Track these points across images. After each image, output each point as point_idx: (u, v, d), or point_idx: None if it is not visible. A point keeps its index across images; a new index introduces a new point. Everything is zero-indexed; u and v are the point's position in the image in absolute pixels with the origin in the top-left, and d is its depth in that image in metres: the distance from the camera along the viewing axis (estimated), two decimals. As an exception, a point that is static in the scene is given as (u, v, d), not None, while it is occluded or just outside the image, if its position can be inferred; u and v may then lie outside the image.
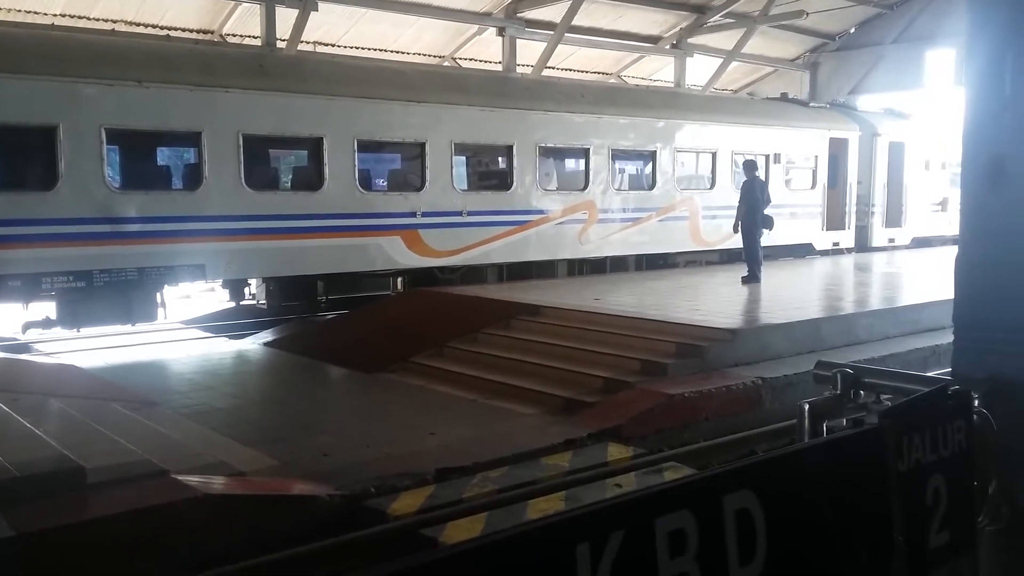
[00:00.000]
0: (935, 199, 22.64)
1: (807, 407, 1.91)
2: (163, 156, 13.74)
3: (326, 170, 13.09)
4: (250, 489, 5.84)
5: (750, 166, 14.64)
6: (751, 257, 14.20)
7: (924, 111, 23.05)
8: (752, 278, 13.99)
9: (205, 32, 16.72)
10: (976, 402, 1.82)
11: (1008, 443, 1.82)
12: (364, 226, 13.48)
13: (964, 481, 1.61)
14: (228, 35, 16.89)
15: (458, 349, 10.48)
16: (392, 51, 18.93)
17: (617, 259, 17.05)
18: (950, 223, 21.51)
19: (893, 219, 22.10)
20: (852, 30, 24.40)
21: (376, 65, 15.40)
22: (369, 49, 18.51)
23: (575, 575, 1.08)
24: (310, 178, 13.38)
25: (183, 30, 16.30)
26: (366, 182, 13.91)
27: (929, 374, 2.11)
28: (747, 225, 14.22)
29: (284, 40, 14.86)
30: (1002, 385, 1.82)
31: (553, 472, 6.45)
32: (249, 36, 16.52)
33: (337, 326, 13.16)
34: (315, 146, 13.13)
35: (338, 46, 18.18)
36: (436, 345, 10.66)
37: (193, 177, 12.39)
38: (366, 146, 13.65)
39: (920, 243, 22.55)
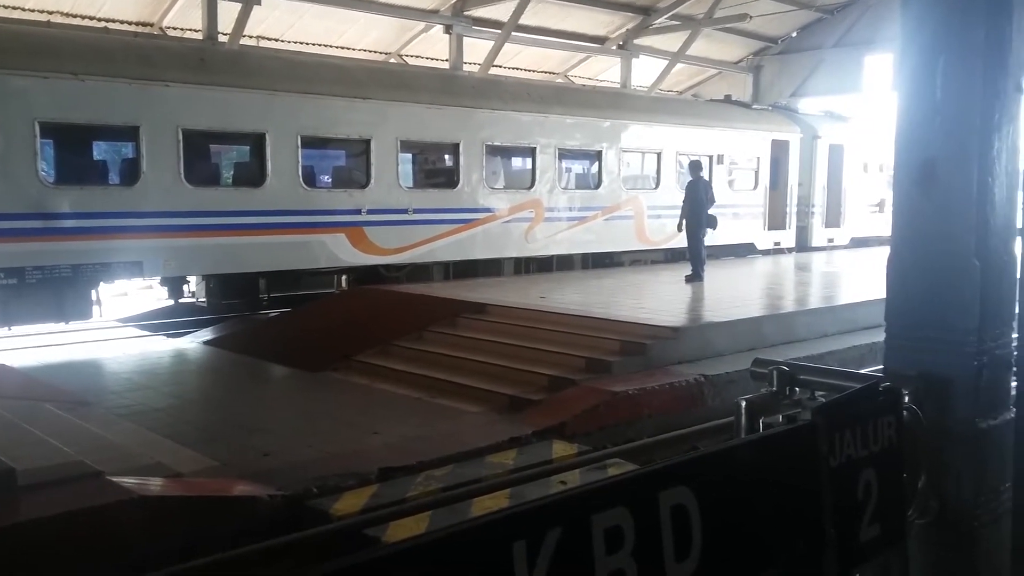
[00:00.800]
0: (873, 200, 23.23)
1: (744, 404, 1.94)
2: (100, 151, 13.39)
3: (269, 166, 12.89)
4: (188, 490, 5.73)
5: (695, 166, 14.67)
6: (695, 256, 14.27)
7: (863, 114, 23.61)
8: (695, 277, 14.07)
9: (144, 25, 16.35)
10: (906, 398, 1.86)
11: (937, 438, 1.87)
12: (308, 223, 13.32)
13: (894, 475, 1.65)
14: (168, 28, 16.53)
15: (403, 347, 10.42)
16: (337, 47, 18.74)
17: (563, 258, 17.14)
18: (887, 224, 22.00)
19: (832, 220, 22.61)
20: (794, 34, 24.88)
21: (320, 61, 15.24)
22: (314, 45, 18.30)
23: (512, 573, 1.07)
24: (252, 174, 13.18)
25: (121, 22, 15.91)
26: (310, 179, 13.75)
27: (862, 371, 2.16)
28: (691, 225, 14.21)
29: (226, 34, 14.60)
30: (931, 382, 1.87)
31: (498, 470, 6.45)
32: (190, 29, 16.18)
33: (279, 324, 12.98)
34: (257, 142, 12.93)
35: (282, 41, 17.93)
36: (381, 343, 10.58)
37: (131, 172, 12.10)
38: (310, 142, 13.49)
39: (858, 243, 23.11)
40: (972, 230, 1.84)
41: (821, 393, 2.01)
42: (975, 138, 1.85)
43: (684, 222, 14.30)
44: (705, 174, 15.50)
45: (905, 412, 1.80)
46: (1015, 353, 1.94)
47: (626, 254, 18.16)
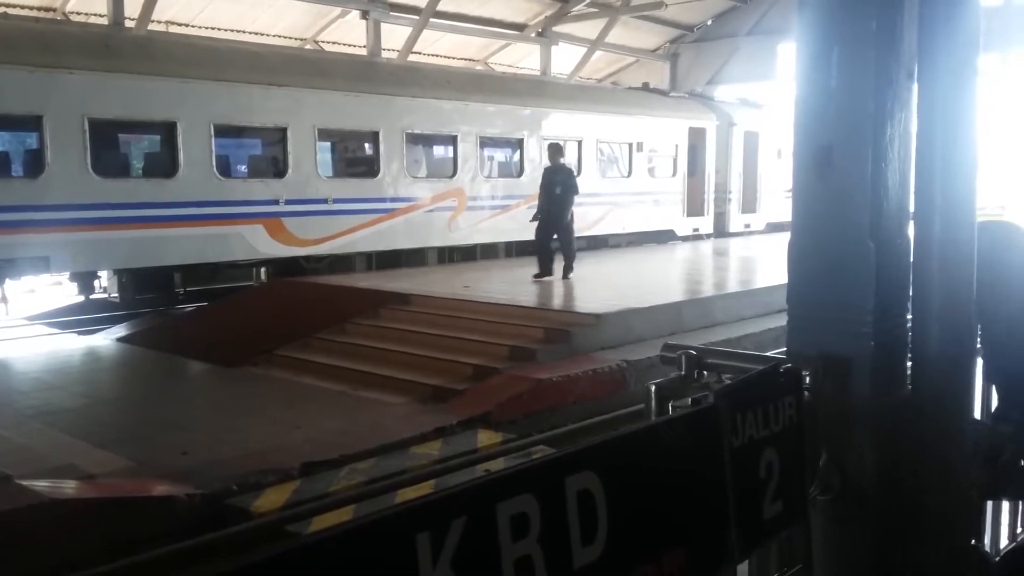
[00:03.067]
0: (787, 186, 23.83)
1: (653, 388, 1.97)
2: (1, 141, 12.82)
3: (181, 156, 12.53)
4: (102, 492, 5.56)
5: (555, 150, 13.13)
6: (568, 248, 12.76)
7: (777, 102, 24.21)
8: (569, 268, 12.73)
9: (46, 10, 15.70)
10: (807, 379, 1.92)
11: (837, 416, 1.94)
12: (223, 214, 13.00)
13: (795, 454, 1.70)
14: (72, 13, 15.91)
15: (325, 340, 10.29)
16: (250, 32, 18.32)
17: (487, 246, 17.14)
18: (800, 209, 22.67)
19: (748, 205, 23.15)
20: (709, 22, 25.33)
21: (234, 47, 14.85)
22: (226, 30, 17.85)
23: (416, 564, 1.07)
24: (164, 164, 12.78)
25: (22, 7, 15.24)
26: (225, 168, 13.41)
27: (767, 353, 2.22)
28: (558, 216, 12.62)
29: (133, 19, 14.11)
30: (831, 362, 1.93)
31: (423, 461, 6.44)
32: (94, 14, 15.60)
33: (196, 319, 12.67)
34: (168, 131, 12.54)
35: (192, 26, 17.43)
36: (302, 336, 10.42)
37: (34, 163, 11.61)
38: (224, 131, 13.15)
39: (774, 228, 23.74)
40: (867, 214, 1.90)
41: (728, 376, 2.06)
42: (869, 125, 1.92)
43: (548, 212, 12.61)
44: (568, 161, 13.99)
45: (806, 392, 1.86)
46: (910, 333, 2.01)
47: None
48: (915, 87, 2.00)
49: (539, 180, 17.59)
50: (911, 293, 2.02)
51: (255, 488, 5.87)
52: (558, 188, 12.59)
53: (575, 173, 12.94)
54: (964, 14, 2.04)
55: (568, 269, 12.70)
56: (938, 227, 1.93)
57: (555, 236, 12.67)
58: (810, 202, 2.01)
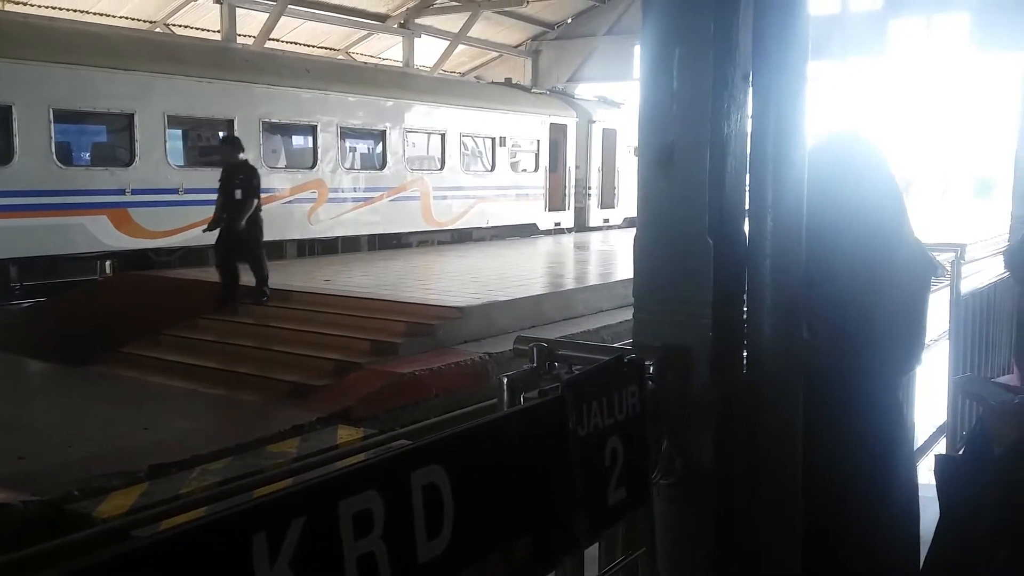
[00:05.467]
0: (642, 183, 24.65)
1: (505, 381, 1.99)
2: None
3: (16, 142, 11.70)
4: (-77, 503, 5.13)
5: (230, 145, 11.11)
6: (260, 265, 10.57)
7: (634, 101, 24.94)
8: (261, 294, 10.48)
9: None
10: (651, 369, 1.98)
11: (678, 404, 2.01)
12: (64, 204, 12.23)
13: (638, 441, 1.76)
14: None
15: (176, 336, 9.86)
16: (94, 14, 17.31)
17: (349, 239, 16.88)
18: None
19: (607, 201, 23.78)
20: (569, 20, 25.81)
21: (75, 28, 13.97)
22: (68, 10, 16.79)
23: (251, 567, 1.04)
24: (-3, 151, 11.92)
25: None
26: (66, 156, 12.62)
27: (614, 345, 2.29)
28: (241, 222, 10.34)
29: (-39, -7, 13.08)
30: (673, 352, 2.00)
31: (280, 460, 6.28)
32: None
33: (35, 315, 11.86)
34: (3, 115, 11.68)
35: (30, 6, 16.31)
36: (151, 333, 9.95)
37: None
38: (65, 116, 12.38)
39: (632, 223, 24.45)
40: (706, 211, 1.98)
41: (578, 367, 2.10)
42: (708, 125, 1.99)
43: (230, 218, 10.39)
44: (248, 156, 11.36)
45: (649, 381, 1.92)
46: (745, 325, 2.11)
47: (413, 235, 18.18)
48: (750, 90, 2.10)
49: (402, 173, 17.63)
50: (746, 286, 2.12)
51: (99, 493, 5.57)
52: (237, 191, 10.35)
53: (258, 172, 10.74)
54: (796, 22, 2.15)
55: (261, 292, 10.45)
56: (770, 224, 2.04)
57: (240, 250, 10.44)
58: (654, 199, 2.09)
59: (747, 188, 2.14)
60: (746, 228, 2.16)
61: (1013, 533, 1.84)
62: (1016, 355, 5.35)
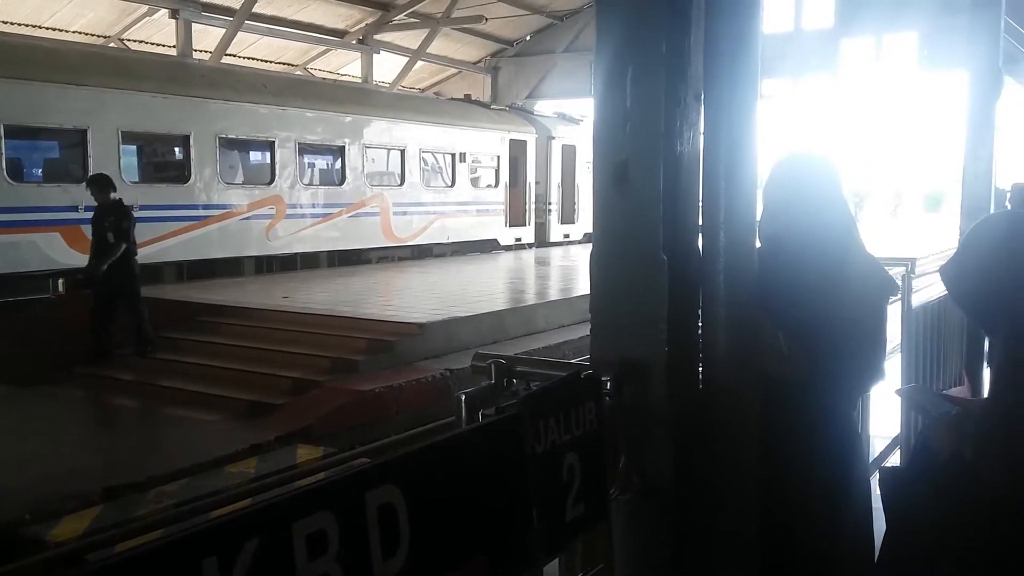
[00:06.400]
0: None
1: (463, 398, 1.99)
2: None
3: (-35, 158, 11.45)
4: None
5: (99, 185, 9.71)
6: (139, 319, 9.59)
7: (592, 117, 25.11)
8: (147, 347, 9.55)
9: None
10: (608, 384, 1.99)
11: (635, 419, 2.02)
12: (15, 221, 11.97)
13: (596, 457, 1.76)
14: None
15: (131, 356, 9.68)
16: (47, 28, 17.03)
17: (308, 256, 16.73)
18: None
19: (567, 216, 23.89)
20: (528, 37, 25.96)
21: (27, 42, 13.73)
22: (18, 25, 16.50)
23: (201, 591, 1.03)
24: (-55, 167, 11.64)
25: None
26: (17, 172, 12.36)
27: (572, 360, 2.30)
28: (119, 271, 9.41)
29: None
30: (629, 367, 2.01)
31: (238, 480, 6.18)
32: None
33: (-16, 336, 11.57)
34: (-50, 131, 11.44)
35: (-20, 18, 16.02)
36: (105, 352, 9.76)
37: None
38: (16, 132, 12.13)
39: (591, 238, 24.60)
40: (660, 227, 2.00)
41: (536, 383, 2.11)
42: (660, 143, 2.02)
43: (100, 267, 9.37)
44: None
45: (607, 396, 1.93)
46: (701, 339, 2.14)
47: (373, 251, 18.08)
48: (702, 109, 2.13)
49: (361, 189, 17.55)
50: (701, 301, 2.15)
51: (52, 516, 5.44)
52: (110, 234, 9.45)
53: (131, 214, 9.73)
54: (746, 43, 2.19)
55: (145, 341, 9.56)
56: (723, 239, 2.07)
57: (120, 300, 9.61)
58: (609, 216, 2.11)
59: (700, 204, 2.17)
60: (699, 244, 2.19)
61: (956, 543, 1.88)
62: (967, 367, 5.48)
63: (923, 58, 16.11)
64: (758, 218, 2.42)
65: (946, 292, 2.37)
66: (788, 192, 2.66)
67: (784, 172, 2.69)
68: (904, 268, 4.87)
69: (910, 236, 23.96)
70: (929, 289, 5.17)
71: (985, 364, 4.69)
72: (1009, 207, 10.64)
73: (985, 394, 2.24)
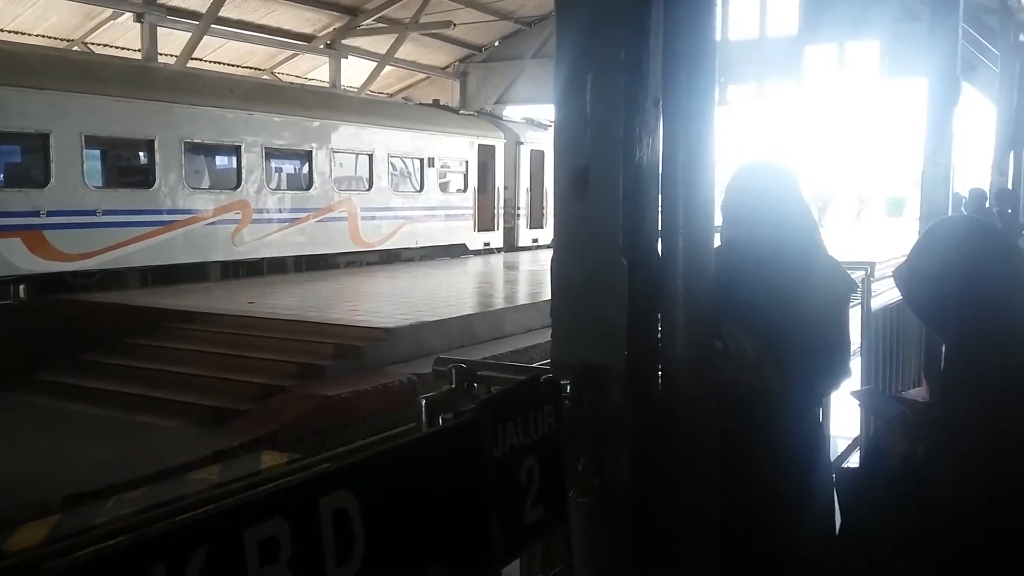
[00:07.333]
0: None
1: (424, 403, 1.99)
2: None
3: (-79, 162, 11.23)
4: None
5: None
6: None
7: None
8: None
9: None
10: (568, 388, 2.00)
11: (595, 422, 2.03)
12: (-25, 227, 11.77)
13: (555, 460, 1.77)
14: None
15: (96, 362, 9.58)
16: (10, 32, 16.77)
17: (275, 261, 16.60)
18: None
19: (536, 221, 23.92)
20: (496, 43, 25.98)
21: (-14, 44, 13.53)
22: (-22, 26, 16.25)
23: (149, 600, 1.02)
24: (-100, 171, 11.41)
25: None
26: (-25, 177, 12.17)
27: (533, 364, 2.31)
28: None
29: None
30: (589, 370, 2.02)
31: (201, 487, 6.13)
32: None
33: (-59, 343, 11.34)
34: (-94, 134, 11.22)
35: (-62, 20, 15.73)
36: (69, 359, 9.62)
37: None
38: (-26, 136, 11.94)
39: (559, 243, 24.64)
40: (620, 232, 2.01)
41: (497, 387, 2.11)
42: (620, 149, 2.03)
43: None
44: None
45: (566, 399, 1.94)
46: (660, 343, 2.15)
47: (340, 256, 17.98)
48: (661, 115, 2.15)
49: (329, 193, 17.43)
50: (660, 305, 2.16)
51: (9, 525, 5.35)
52: None
53: None
54: (703, 49, 2.22)
55: None
56: (681, 244, 2.08)
57: None
58: (569, 221, 2.12)
59: (659, 209, 2.19)
60: (659, 249, 2.21)
61: (909, 542, 1.91)
62: (925, 369, 5.57)
63: (885, 65, 16.37)
64: (718, 224, 2.46)
65: (903, 294, 2.42)
66: (750, 199, 2.70)
67: (744, 180, 2.74)
68: (864, 272, 4.94)
69: (872, 241, 24.31)
70: (889, 292, 5.25)
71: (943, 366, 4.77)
72: (964, 212, 10.85)
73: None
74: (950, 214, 6.18)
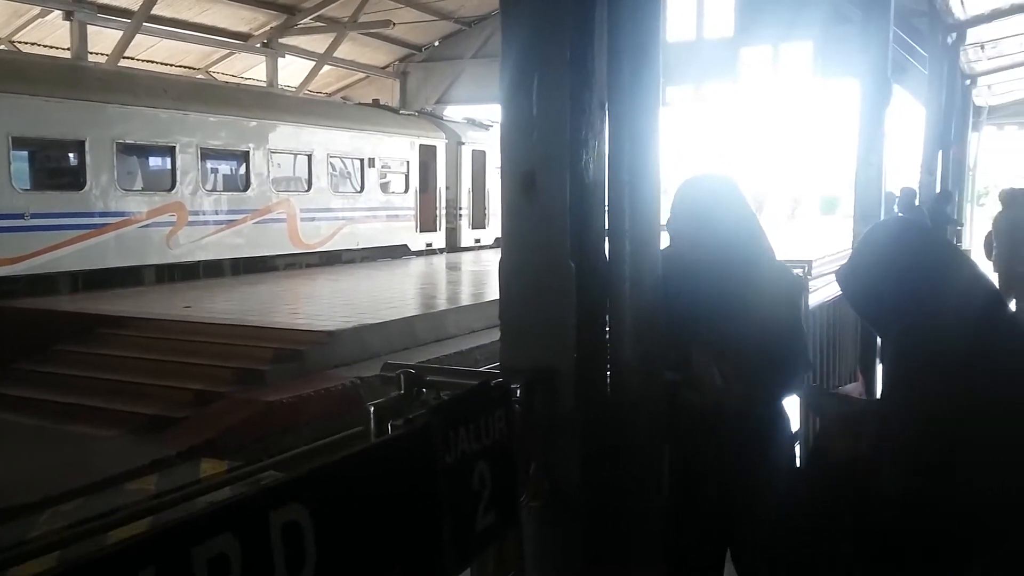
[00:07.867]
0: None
1: (373, 409, 1.95)
2: None
3: None
4: None
5: None
6: None
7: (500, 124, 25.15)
8: None
9: None
10: (518, 392, 1.99)
11: (545, 426, 2.03)
12: None
13: (506, 464, 1.76)
14: None
15: (23, 370, 9.28)
16: (-73, 27, 16.15)
17: (211, 264, 16.26)
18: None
19: (478, 221, 23.90)
20: (437, 43, 25.88)
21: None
22: None
23: (92, 624, 0.98)
24: None
25: None
26: None
27: (482, 369, 2.29)
28: None
29: None
30: (539, 374, 2.02)
31: (138, 497, 5.95)
32: None
33: None
34: None
35: None
36: (-5, 368, 9.30)
37: None
38: None
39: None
40: (567, 234, 2.01)
41: (447, 393, 2.09)
42: (566, 151, 2.03)
43: None
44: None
45: (517, 404, 1.93)
46: (608, 345, 2.15)
47: (280, 258, 17.71)
48: (607, 116, 2.15)
49: (267, 194, 17.15)
50: (608, 307, 2.17)
51: (-67, 544, 5.13)
52: None
53: None
54: (648, 50, 2.23)
55: None
56: (628, 245, 2.09)
57: None
58: (517, 223, 2.11)
59: (606, 211, 2.19)
60: (606, 251, 2.22)
61: (856, 538, 1.95)
62: (861, 364, 5.71)
63: (818, 66, 16.75)
64: (664, 235, 2.49)
65: (840, 292, 2.47)
66: (696, 209, 2.74)
67: (689, 194, 2.78)
68: (802, 269, 5.03)
69: (807, 238, 24.86)
70: (825, 289, 5.36)
71: (878, 361, 4.89)
72: (897, 210, 11.16)
73: (878, 393, 2.34)
74: (884, 213, 6.35)
